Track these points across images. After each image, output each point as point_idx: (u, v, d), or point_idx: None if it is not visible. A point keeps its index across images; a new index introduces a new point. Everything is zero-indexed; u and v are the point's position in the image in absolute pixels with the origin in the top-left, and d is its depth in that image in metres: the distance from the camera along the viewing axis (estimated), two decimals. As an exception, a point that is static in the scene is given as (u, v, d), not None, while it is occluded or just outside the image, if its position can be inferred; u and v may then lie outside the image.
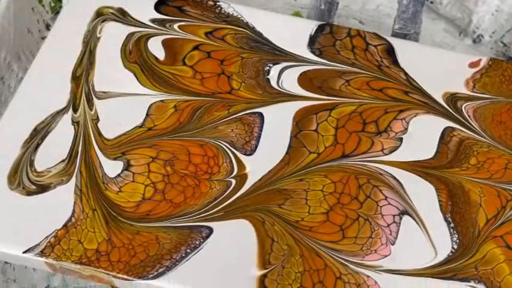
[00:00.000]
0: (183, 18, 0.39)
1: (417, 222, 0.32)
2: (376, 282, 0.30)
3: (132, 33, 0.38)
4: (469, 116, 0.37)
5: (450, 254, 0.31)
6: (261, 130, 0.34)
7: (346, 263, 0.30)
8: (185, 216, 0.31)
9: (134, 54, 0.37)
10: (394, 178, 0.33)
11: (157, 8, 0.39)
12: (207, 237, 0.30)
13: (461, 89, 0.38)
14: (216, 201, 0.31)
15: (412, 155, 0.34)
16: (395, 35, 0.45)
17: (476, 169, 0.34)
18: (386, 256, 0.31)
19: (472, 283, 0.30)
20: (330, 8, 0.46)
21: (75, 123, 0.33)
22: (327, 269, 0.30)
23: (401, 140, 0.35)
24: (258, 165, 0.33)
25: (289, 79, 0.37)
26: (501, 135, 0.36)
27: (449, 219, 0.32)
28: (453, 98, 0.37)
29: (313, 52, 0.38)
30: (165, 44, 0.37)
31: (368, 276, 0.30)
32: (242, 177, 0.32)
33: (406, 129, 0.36)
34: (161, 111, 0.34)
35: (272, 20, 0.40)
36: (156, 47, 0.37)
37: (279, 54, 0.38)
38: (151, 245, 0.29)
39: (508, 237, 0.32)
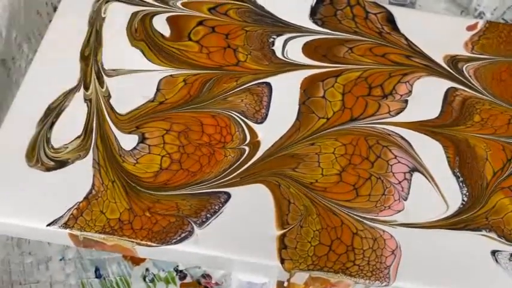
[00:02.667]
0: (185, -4, 0.39)
1: (427, 178, 0.33)
2: (391, 235, 0.31)
3: (136, 12, 0.38)
4: (470, 76, 0.38)
5: (461, 206, 0.32)
6: (269, 99, 0.35)
7: (361, 219, 0.31)
8: (203, 184, 0.31)
9: (140, 33, 0.37)
10: (402, 138, 0.34)
11: (159, -13, 0.39)
12: (226, 202, 0.31)
13: (461, 51, 0.39)
14: (231, 168, 0.32)
15: (418, 115, 0.35)
16: (392, 4, 0.46)
17: (481, 126, 0.35)
18: (399, 211, 0.31)
19: (483, 232, 0.31)
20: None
21: (87, 100, 0.34)
22: (344, 226, 0.31)
23: (406, 101, 0.36)
24: (270, 132, 0.34)
25: (294, 49, 0.37)
26: (502, 92, 0.37)
27: (457, 173, 0.33)
28: (454, 60, 0.38)
29: (315, 22, 0.39)
30: (170, 21, 0.38)
31: (384, 231, 0.31)
32: (255, 144, 0.33)
33: (410, 91, 0.36)
34: (171, 85, 0.35)
35: (273, -7, 0.40)
36: (161, 25, 0.38)
37: (282, 26, 0.39)
38: (172, 212, 0.30)
39: (515, 188, 0.33)
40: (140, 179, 0.31)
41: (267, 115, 0.34)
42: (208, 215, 0.30)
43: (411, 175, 0.33)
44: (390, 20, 0.40)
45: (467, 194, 0.32)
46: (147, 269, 0.45)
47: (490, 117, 0.36)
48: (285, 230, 0.30)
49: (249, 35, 0.38)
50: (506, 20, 0.52)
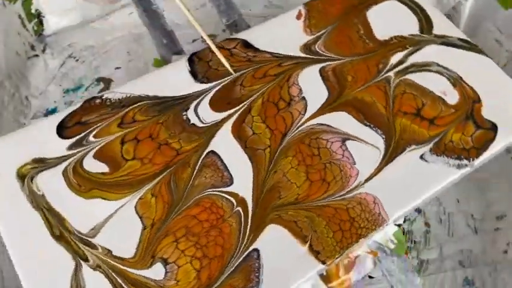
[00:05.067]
0: (90, 129, 0.41)
1: (354, 139, 0.44)
2: (366, 193, 0.41)
3: (65, 168, 0.39)
4: (323, 52, 0.49)
5: (384, 142, 0.44)
6: (222, 162, 0.41)
7: (342, 197, 0.41)
8: (234, 257, 0.37)
9: (83, 183, 0.39)
10: (321, 124, 0.44)
11: (61, 135, 0.41)
12: (259, 256, 0.37)
13: (306, 37, 0.49)
14: (242, 231, 0.38)
15: (317, 102, 0.45)
16: (228, 27, 0.53)
17: (355, 82, 0.47)
18: (358, 173, 0.42)
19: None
20: (171, 39, 0.52)
21: (96, 268, 0.36)
22: (337, 210, 0.40)
23: (304, 98, 0.45)
24: (243, 185, 0.40)
25: (205, 112, 0.43)
26: (350, 50, 0.49)
27: (367, 123, 0.44)
28: (306, 47, 0.49)
29: (202, 82, 0.45)
30: (98, 157, 0.40)
31: (360, 193, 0.41)
32: (242, 201, 0.40)
33: (301, 89, 0.46)
34: (146, 205, 0.39)
35: (153, 78, 0.45)
36: (93, 165, 0.40)
37: (182, 100, 0.44)
38: (232, 293, 0.36)
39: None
40: (191, 290, 0.36)
41: (231, 175, 0.41)
42: (256, 274, 0.37)
43: (345, 145, 0.43)
44: (248, 45, 0.48)
45: (381, 133, 0.44)
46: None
47: (357, 72, 0.48)
48: (308, 242, 0.38)
49: (166, 124, 0.42)
50: None
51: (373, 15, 0.52)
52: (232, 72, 0.43)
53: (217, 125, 0.43)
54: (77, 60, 0.61)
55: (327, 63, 0.48)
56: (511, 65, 0.55)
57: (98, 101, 0.43)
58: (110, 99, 0.43)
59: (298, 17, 0.51)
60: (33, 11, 0.57)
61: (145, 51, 0.57)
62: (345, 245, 0.39)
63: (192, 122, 0.43)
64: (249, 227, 0.39)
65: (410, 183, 0.42)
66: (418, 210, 0.56)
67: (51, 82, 0.59)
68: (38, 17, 0.58)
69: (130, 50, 0.61)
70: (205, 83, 0.45)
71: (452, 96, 0.47)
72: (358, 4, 0.53)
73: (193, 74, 0.46)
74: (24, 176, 0.39)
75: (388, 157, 0.43)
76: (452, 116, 0.46)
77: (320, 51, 0.49)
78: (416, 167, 0.43)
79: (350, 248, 0.39)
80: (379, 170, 0.42)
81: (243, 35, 0.49)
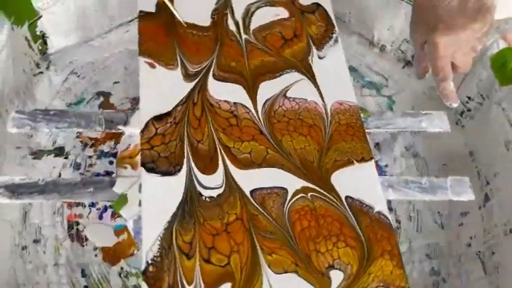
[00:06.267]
0: (179, 284, 0.41)
1: (289, 88, 0.53)
2: (331, 105, 0.52)
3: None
4: (196, 67, 0.54)
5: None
6: (265, 188, 0.46)
7: (329, 121, 0.51)
8: (347, 216, 0.46)
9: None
10: (264, 103, 0.52)
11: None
12: (352, 198, 0.46)
13: (177, 71, 0.53)
14: (329, 199, 0.46)
15: (244, 96, 0.52)
16: (112, 126, 0.53)
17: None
18: (315, 103, 0.52)
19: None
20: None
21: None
22: (337, 129, 0.51)
23: (235, 103, 0.51)
24: (293, 183, 0.47)
25: (207, 181, 0.46)
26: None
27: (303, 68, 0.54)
28: (186, 75, 0.53)
29: (175, 173, 0.47)
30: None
31: (331, 111, 0.52)
32: (305, 189, 0.46)
33: (226, 100, 0.51)
34: (279, 263, 0.42)
35: (148, 211, 0.44)
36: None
37: (186, 197, 0.45)
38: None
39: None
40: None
41: (280, 187, 0.46)
42: (365, 205, 0.46)
43: (289, 96, 0.52)
44: (158, 117, 0.50)
45: (291, 70, 0.54)
46: (121, 268, 0.56)
47: (231, 56, 0.55)
48: (353, 160, 0.49)
49: (206, 218, 0.44)
50: (402, 50, 0.68)
51: (180, 13, 0.57)
52: (183, 22, 0.54)
53: (228, 177, 0.47)
54: (78, 76, 0.67)
55: (211, 71, 0.53)
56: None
57: (151, 268, 0.41)
58: (155, 256, 0.42)
59: (152, 66, 0.53)
60: (38, 32, 0.63)
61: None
62: (363, 138, 0.51)
63: (213, 195, 0.45)
64: (328, 193, 0.47)
65: (334, 75, 0.55)
66: (390, 209, 0.61)
67: (55, 97, 0.65)
68: (43, 37, 0.64)
69: (128, 65, 0.68)
70: (176, 171, 0.47)
71: (282, 13, 0.59)
72: (158, 18, 0.57)
73: (163, 173, 0.46)
74: None
75: (311, 77, 0.54)
76: (297, 21, 0.59)
77: (196, 69, 0.53)
78: (324, 65, 0.55)
79: (366, 135, 0.51)
80: (318, 88, 0.54)
81: (145, 117, 0.50)
